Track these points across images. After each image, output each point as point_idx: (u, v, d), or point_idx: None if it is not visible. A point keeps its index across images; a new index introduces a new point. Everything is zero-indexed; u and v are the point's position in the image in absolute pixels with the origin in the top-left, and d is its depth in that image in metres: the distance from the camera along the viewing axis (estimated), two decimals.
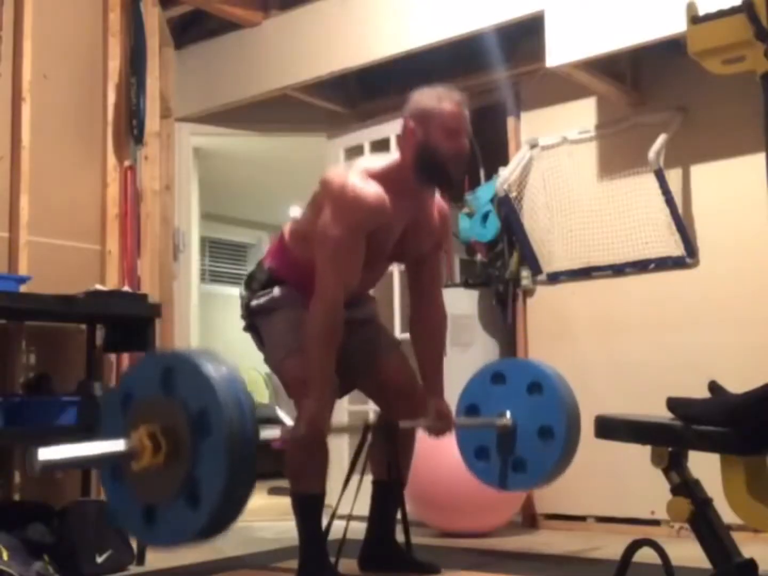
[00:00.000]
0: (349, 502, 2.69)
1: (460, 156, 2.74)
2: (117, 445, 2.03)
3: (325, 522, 2.78)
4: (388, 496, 2.93)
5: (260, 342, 2.95)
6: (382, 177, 2.72)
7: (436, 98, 2.73)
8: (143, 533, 2.16)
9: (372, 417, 2.81)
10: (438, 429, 2.91)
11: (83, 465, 2.06)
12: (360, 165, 2.78)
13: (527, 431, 3.07)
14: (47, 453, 1.88)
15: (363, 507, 2.97)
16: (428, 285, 2.96)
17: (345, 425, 2.74)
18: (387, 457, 2.85)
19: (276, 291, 2.87)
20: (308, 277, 2.72)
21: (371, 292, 3.17)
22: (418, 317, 2.97)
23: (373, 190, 2.69)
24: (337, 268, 2.67)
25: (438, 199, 2.96)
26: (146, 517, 2.03)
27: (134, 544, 3.24)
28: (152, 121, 4.29)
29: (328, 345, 2.64)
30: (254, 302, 2.90)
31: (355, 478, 2.75)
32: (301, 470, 2.79)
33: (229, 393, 1.96)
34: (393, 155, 2.88)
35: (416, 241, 2.88)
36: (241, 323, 3.01)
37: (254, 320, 2.93)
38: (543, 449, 3.04)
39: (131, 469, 2.02)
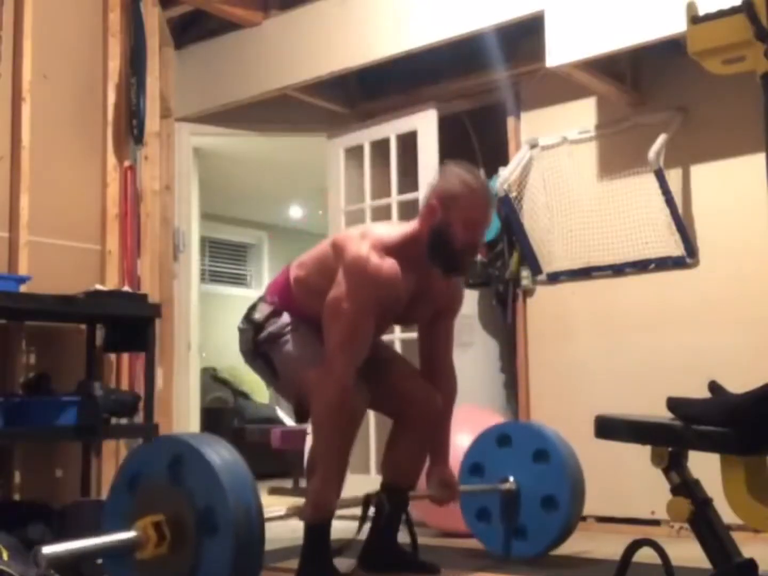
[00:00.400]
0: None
1: (474, 247, 2.74)
2: (121, 537, 2.02)
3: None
4: (398, 501, 2.90)
5: (272, 371, 2.85)
6: (396, 249, 2.69)
7: (467, 186, 2.67)
8: None
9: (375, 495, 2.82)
10: (442, 498, 2.92)
11: (88, 557, 2.07)
12: (374, 234, 2.72)
13: (531, 499, 3.07)
14: (52, 549, 1.86)
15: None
16: (439, 351, 2.92)
17: (351, 500, 2.74)
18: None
19: (285, 317, 2.81)
20: (316, 319, 2.70)
21: None
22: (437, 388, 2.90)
23: (389, 266, 2.66)
24: (350, 347, 2.63)
25: (456, 286, 2.92)
26: None
27: None
28: (152, 121, 4.30)
29: (337, 425, 2.60)
30: (263, 333, 2.82)
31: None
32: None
33: (237, 492, 1.95)
34: (407, 226, 2.81)
35: (423, 306, 2.84)
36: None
37: (264, 350, 2.83)
38: (546, 518, 3.04)
39: (134, 558, 2.02)
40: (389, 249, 2.68)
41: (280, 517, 2.61)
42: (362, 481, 3.85)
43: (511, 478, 3.10)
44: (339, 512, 2.74)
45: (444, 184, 2.71)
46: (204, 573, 1.95)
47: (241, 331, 2.89)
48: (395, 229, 2.80)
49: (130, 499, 2.11)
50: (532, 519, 3.06)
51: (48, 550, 1.85)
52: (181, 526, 1.98)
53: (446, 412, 2.92)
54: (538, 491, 3.07)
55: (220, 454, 2.01)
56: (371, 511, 2.94)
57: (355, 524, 2.78)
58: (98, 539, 2.03)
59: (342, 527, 2.74)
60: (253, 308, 2.90)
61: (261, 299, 2.93)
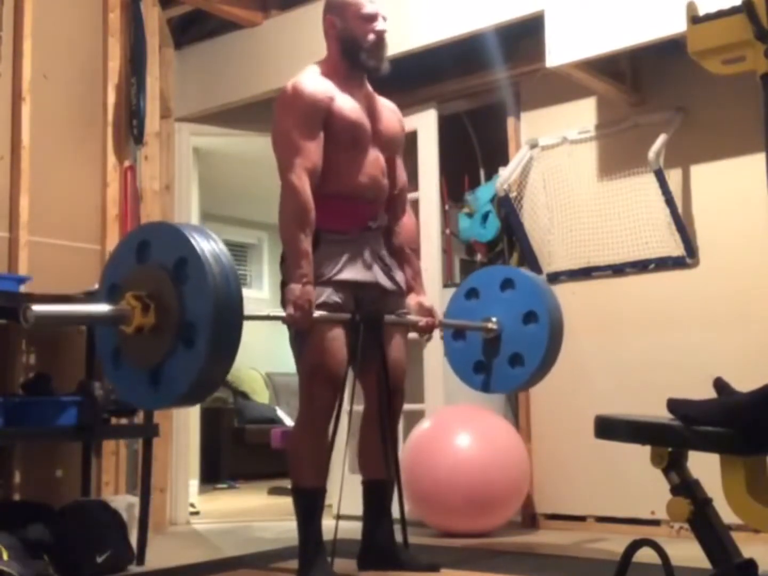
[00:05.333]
0: (346, 500, 2.70)
1: (380, 39, 2.92)
2: (107, 308, 2.18)
3: (325, 523, 2.79)
4: (382, 494, 2.93)
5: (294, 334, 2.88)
6: (320, 72, 2.92)
7: None
8: (155, 399, 2.26)
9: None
10: (425, 324, 3.02)
11: (76, 322, 2.22)
12: (299, 74, 2.94)
13: (513, 324, 3.16)
14: (42, 308, 2.00)
15: (358, 505, 2.97)
16: (396, 191, 3.08)
17: (331, 316, 2.78)
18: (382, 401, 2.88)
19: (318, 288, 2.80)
20: (339, 212, 2.83)
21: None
22: (391, 226, 3.07)
23: (310, 78, 2.88)
24: (294, 153, 2.77)
25: (393, 106, 3.12)
26: (152, 381, 2.16)
27: (134, 544, 3.25)
28: (152, 121, 4.29)
29: (301, 224, 2.72)
30: (282, 271, 2.86)
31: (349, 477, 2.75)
32: (300, 464, 2.80)
33: (203, 240, 2.12)
34: (320, 60, 3.00)
35: (387, 126, 3.01)
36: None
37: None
38: (532, 334, 3.14)
39: (126, 336, 2.16)
40: (314, 74, 2.92)
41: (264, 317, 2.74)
42: None
43: (493, 318, 3.19)
44: (339, 513, 2.74)
45: (330, 0, 2.99)
46: (191, 318, 2.08)
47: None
48: (312, 66, 2.98)
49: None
50: (521, 342, 3.15)
51: (37, 308, 1.97)
52: (159, 291, 2.13)
53: (415, 247, 3.12)
54: (517, 314, 3.17)
55: (184, 225, 2.23)
56: (364, 512, 2.95)
57: (358, 524, 2.78)
58: (85, 306, 2.20)
59: (348, 528, 2.74)
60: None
61: None
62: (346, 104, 2.89)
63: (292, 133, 2.79)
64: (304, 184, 2.75)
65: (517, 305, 3.18)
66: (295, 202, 2.74)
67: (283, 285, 2.84)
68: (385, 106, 3.08)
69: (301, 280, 2.69)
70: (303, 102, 2.81)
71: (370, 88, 3.03)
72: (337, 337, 2.79)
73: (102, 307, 2.20)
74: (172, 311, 2.11)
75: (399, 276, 3.02)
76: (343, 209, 2.86)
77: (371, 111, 2.98)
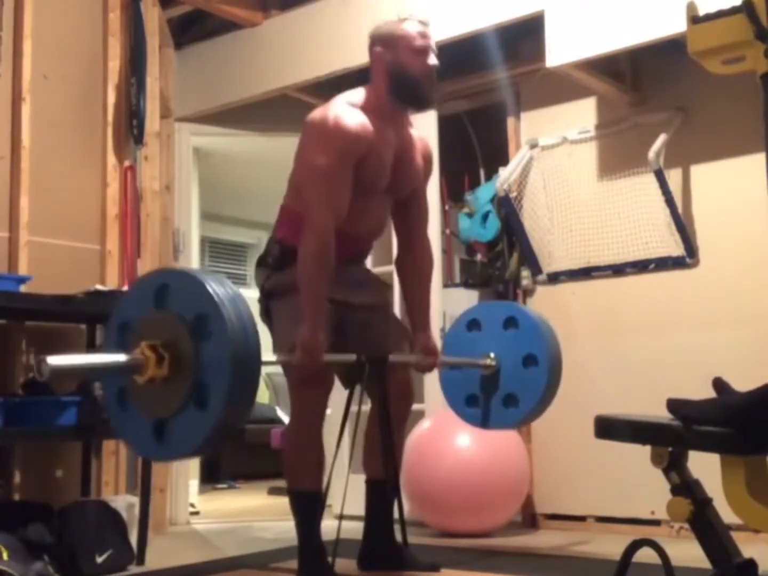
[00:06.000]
0: (347, 500, 2.70)
1: (430, 70, 2.80)
2: (121, 357, 2.07)
3: (326, 523, 2.78)
4: (383, 494, 2.93)
5: (271, 328, 2.86)
6: (361, 106, 2.78)
7: (398, 21, 2.83)
8: (157, 450, 2.17)
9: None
10: (425, 364, 2.96)
11: (90, 375, 2.14)
12: (339, 98, 2.81)
13: (511, 365, 3.10)
14: (57, 359, 1.90)
15: (360, 506, 2.97)
16: (415, 223, 3.01)
17: (338, 358, 2.76)
18: (380, 422, 2.82)
19: (289, 276, 2.75)
20: None
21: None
22: (405, 256, 3.01)
23: (354, 115, 2.73)
24: (325, 193, 2.67)
25: (422, 137, 3.01)
26: (156, 433, 2.07)
27: (134, 544, 3.25)
28: (152, 121, 4.29)
29: (320, 270, 2.63)
30: (269, 283, 2.83)
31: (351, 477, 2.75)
32: (296, 467, 2.79)
33: (226, 298, 2.00)
34: (365, 88, 2.87)
35: (406, 172, 2.90)
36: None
37: (269, 303, 2.85)
38: (530, 377, 3.08)
39: (136, 384, 2.05)
40: (355, 106, 2.77)
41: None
42: None
43: (491, 354, 3.13)
44: (336, 510, 2.74)
45: (378, 32, 2.84)
46: (205, 379, 1.98)
47: (255, 280, 2.93)
48: (357, 91, 2.84)
49: (124, 345, 2.13)
50: (517, 383, 3.09)
51: (52, 360, 1.88)
52: (176, 343, 2.02)
53: (426, 282, 3.01)
54: (516, 355, 3.10)
55: (204, 273, 2.08)
56: (366, 511, 2.95)
57: (354, 524, 2.78)
58: (100, 356, 2.10)
59: (348, 528, 2.73)
60: (265, 253, 2.91)
61: (270, 241, 2.93)
62: (380, 152, 2.77)
63: (327, 171, 2.67)
64: (329, 226, 2.65)
65: (518, 346, 3.10)
66: (318, 242, 2.64)
67: (269, 296, 2.81)
68: (416, 146, 2.94)
69: (314, 326, 2.60)
70: (343, 141, 2.68)
71: (404, 122, 2.90)
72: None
73: (117, 357, 2.09)
74: (187, 368, 2.01)
75: (374, 292, 2.97)
76: (337, 242, 2.72)
77: (398, 158, 2.85)
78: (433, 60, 2.80)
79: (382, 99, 2.80)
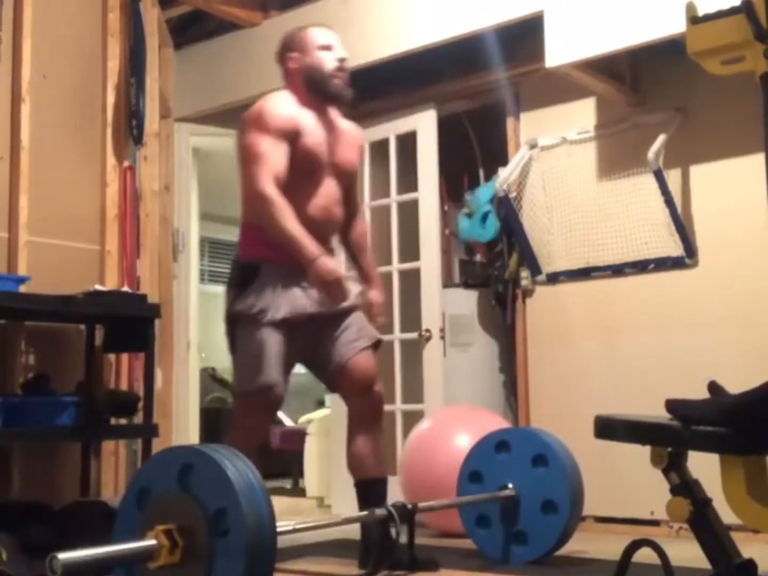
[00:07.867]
0: (347, 500, 2.69)
1: (340, 65, 2.97)
2: (135, 545, 2.01)
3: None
4: (375, 493, 2.94)
5: (233, 350, 2.94)
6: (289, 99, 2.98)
7: (298, 28, 3.06)
8: None
9: None
10: (373, 314, 3.09)
11: (103, 565, 2.07)
12: (265, 97, 2.99)
13: (530, 504, 3.05)
14: (68, 555, 1.86)
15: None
16: (352, 205, 3.18)
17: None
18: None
19: (251, 298, 2.84)
20: (277, 245, 2.80)
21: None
22: (348, 233, 3.20)
23: (281, 98, 2.93)
24: (258, 161, 2.79)
25: (352, 123, 3.14)
26: None
27: None
28: (152, 121, 4.29)
29: (286, 218, 2.75)
30: (233, 308, 2.89)
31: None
32: None
33: (248, 493, 1.96)
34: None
35: (345, 154, 3.04)
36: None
37: (233, 330, 2.91)
38: (546, 523, 3.03)
39: (147, 569, 2.01)
40: (286, 99, 2.96)
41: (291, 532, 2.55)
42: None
43: (510, 485, 3.09)
44: (341, 514, 2.74)
45: (283, 43, 3.05)
46: (218, 574, 1.94)
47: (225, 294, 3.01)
48: (282, 92, 3.02)
49: (140, 514, 2.09)
50: (532, 524, 3.05)
51: (64, 556, 1.84)
52: (192, 532, 1.98)
53: (366, 247, 3.24)
54: (537, 496, 3.05)
55: (229, 458, 2.01)
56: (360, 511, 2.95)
57: (358, 525, 2.78)
58: (112, 547, 2.02)
59: (348, 528, 2.73)
60: (230, 277, 3.01)
61: (233, 264, 3.05)
62: (311, 131, 2.92)
63: (256, 144, 2.81)
64: (273, 189, 2.76)
65: (541, 487, 3.04)
66: (271, 206, 2.75)
67: (234, 321, 2.87)
68: (348, 132, 3.09)
69: (313, 255, 2.72)
70: (271, 117, 2.85)
71: (333, 114, 3.05)
72: (276, 353, 2.80)
73: (130, 546, 2.02)
74: (200, 561, 1.96)
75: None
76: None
77: (332, 141, 3.00)
78: (339, 53, 2.97)
79: (302, 95, 2.98)
